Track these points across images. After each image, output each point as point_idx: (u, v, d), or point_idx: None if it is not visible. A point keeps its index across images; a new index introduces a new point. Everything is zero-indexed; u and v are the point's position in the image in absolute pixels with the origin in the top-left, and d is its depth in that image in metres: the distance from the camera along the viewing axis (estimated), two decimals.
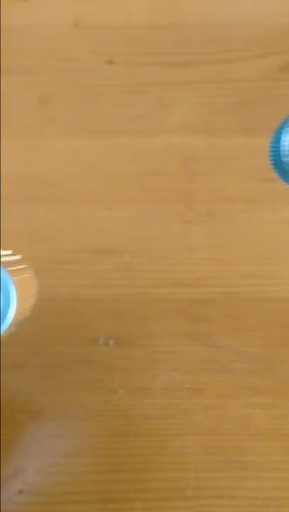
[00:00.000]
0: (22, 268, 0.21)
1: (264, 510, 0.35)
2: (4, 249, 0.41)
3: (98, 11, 0.45)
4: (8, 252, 0.21)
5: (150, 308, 0.40)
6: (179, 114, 0.44)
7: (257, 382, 0.38)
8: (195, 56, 0.45)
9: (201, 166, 0.45)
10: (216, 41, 0.45)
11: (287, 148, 0.19)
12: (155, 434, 0.37)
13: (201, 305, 0.40)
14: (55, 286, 0.40)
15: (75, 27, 0.45)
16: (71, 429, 0.37)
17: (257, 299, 0.40)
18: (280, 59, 0.44)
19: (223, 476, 0.36)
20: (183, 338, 0.39)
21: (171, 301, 0.40)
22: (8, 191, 0.42)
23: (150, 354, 0.39)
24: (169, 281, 0.40)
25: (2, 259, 0.20)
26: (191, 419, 0.37)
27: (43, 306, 0.41)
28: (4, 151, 0.43)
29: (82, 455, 0.37)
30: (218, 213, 0.41)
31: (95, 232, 0.41)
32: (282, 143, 0.19)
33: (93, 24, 0.45)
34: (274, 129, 0.19)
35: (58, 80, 0.44)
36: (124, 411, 0.37)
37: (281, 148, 0.19)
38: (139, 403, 0.38)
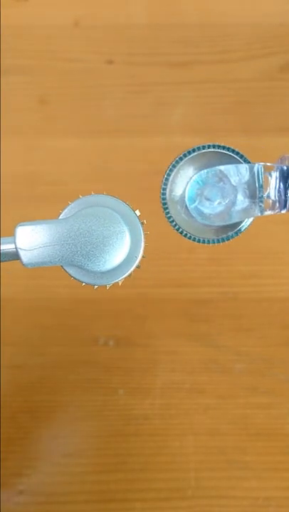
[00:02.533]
0: None
1: (264, 510, 0.35)
2: None
3: (98, 11, 0.45)
4: None
5: (150, 309, 0.40)
6: (179, 114, 0.44)
7: (257, 382, 0.38)
8: (195, 56, 0.45)
9: None
10: (216, 41, 0.45)
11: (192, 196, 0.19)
12: (155, 434, 0.37)
13: (201, 305, 0.40)
14: (55, 287, 0.40)
15: (75, 27, 0.45)
16: (71, 429, 0.37)
17: (257, 299, 0.40)
18: (280, 59, 0.45)
19: (223, 476, 0.36)
20: (183, 338, 0.39)
21: (171, 301, 0.40)
22: (8, 191, 0.42)
23: (150, 354, 0.39)
24: (169, 281, 0.40)
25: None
26: (191, 419, 0.37)
27: (43, 306, 0.41)
28: (4, 151, 0.43)
29: (82, 455, 0.37)
30: None
31: None
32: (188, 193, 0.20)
33: (93, 24, 0.45)
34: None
35: (58, 80, 0.44)
36: (124, 411, 0.37)
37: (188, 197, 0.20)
38: (139, 403, 0.38)
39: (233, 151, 0.20)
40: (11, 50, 0.45)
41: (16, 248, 0.21)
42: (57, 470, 0.36)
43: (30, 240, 0.21)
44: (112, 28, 0.45)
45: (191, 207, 0.20)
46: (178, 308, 0.40)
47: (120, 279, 0.21)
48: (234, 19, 0.45)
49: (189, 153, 0.20)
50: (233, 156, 0.20)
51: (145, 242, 0.21)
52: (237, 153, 0.20)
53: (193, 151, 0.20)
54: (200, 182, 0.20)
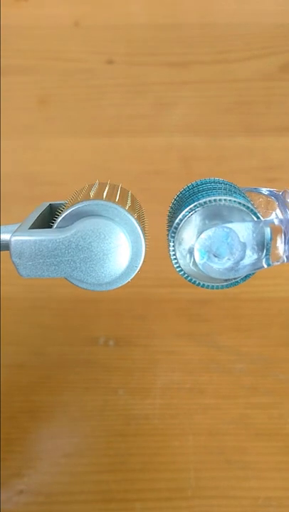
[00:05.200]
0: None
1: (264, 510, 0.35)
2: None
3: (98, 11, 0.45)
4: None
5: (150, 308, 0.40)
6: (179, 114, 0.44)
7: (257, 382, 0.38)
8: (195, 56, 0.45)
9: (201, 166, 0.45)
10: (216, 41, 0.45)
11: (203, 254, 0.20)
12: (155, 434, 0.37)
13: (201, 305, 0.40)
14: (55, 286, 0.40)
15: (75, 27, 0.45)
16: (71, 429, 0.37)
17: (257, 299, 0.40)
18: (280, 59, 0.45)
19: (223, 476, 0.36)
20: (183, 338, 0.39)
21: (171, 301, 0.40)
22: (8, 191, 0.42)
23: (150, 354, 0.39)
24: (169, 281, 0.40)
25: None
26: (191, 419, 0.37)
27: (43, 306, 0.41)
28: (4, 151, 0.43)
29: (82, 455, 0.37)
30: None
31: None
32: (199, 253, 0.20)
33: (93, 24, 0.45)
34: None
35: (58, 80, 0.44)
36: (124, 411, 0.37)
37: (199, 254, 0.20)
38: (139, 403, 0.38)
39: (239, 203, 0.19)
40: (11, 50, 0.45)
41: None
42: (57, 470, 0.36)
43: (27, 253, 0.20)
44: (112, 28, 0.45)
45: (200, 263, 0.20)
46: (178, 308, 0.40)
47: (119, 286, 0.21)
48: (234, 19, 0.45)
49: (196, 207, 0.20)
50: (240, 207, 0.20)
51: (146, 246, 0.20)
52: (244, 205, 0.19)
53: (200, 205, 0.20)
54: (208, 239, 0.20)
